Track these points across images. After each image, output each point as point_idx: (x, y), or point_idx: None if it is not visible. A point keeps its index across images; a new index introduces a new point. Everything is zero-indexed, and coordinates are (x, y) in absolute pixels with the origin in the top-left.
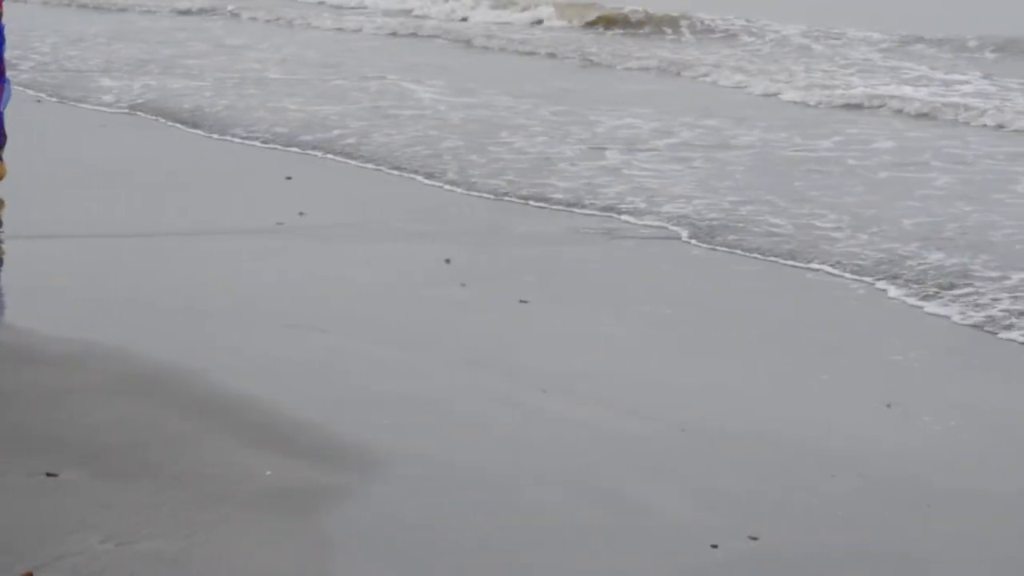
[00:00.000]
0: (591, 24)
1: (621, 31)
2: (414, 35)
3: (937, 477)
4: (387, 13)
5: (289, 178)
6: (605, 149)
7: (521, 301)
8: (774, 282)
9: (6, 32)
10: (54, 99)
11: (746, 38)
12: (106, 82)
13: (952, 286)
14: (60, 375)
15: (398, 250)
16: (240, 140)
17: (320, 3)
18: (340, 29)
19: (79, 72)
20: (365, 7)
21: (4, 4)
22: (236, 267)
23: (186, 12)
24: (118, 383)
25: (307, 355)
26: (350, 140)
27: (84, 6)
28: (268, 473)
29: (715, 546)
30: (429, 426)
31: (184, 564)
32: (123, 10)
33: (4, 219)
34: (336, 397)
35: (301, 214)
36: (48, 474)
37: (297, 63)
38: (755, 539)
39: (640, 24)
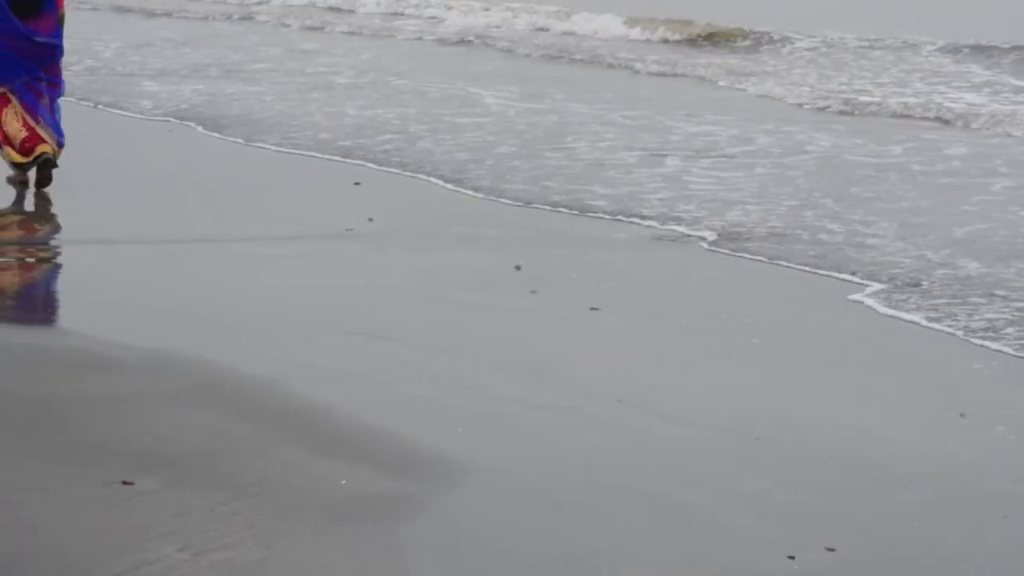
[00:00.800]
0: (691, 41)
1: (708, 43)
2: (487, 45)
3: (1013, 487)
4: (466, 28)
5: (358, 183)
6: (665, 155)
7: (592, 309)
8: (818, 293)
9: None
10: (88, 103)
11: (823, 48)
12: (151, 87)
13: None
14: (134, 383)
15: (468, 256)
16: (282, 148)
17: (397, 15)
18: (419, 39)
19: (127, 76)
20: (443, 19)
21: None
22: (306, 273)
23: (265, 22)
24: (191, 391)
25: (377, 364)
26: (422, 144)
27: (168, 14)
28: (343, 482)
29: (792, 557)
30: (500, 436)
31: (260, 574)
32: (203, 18)
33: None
34: (407, 406)
35: (370, 220)
36: (124, 482)
37: (367, 69)
38: (832, 550)
39: (730, 36)
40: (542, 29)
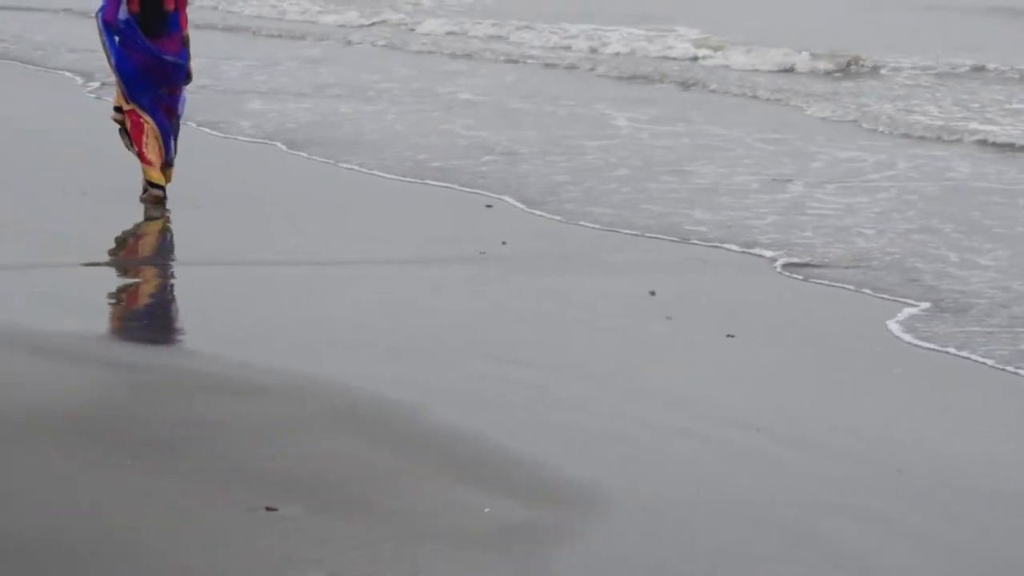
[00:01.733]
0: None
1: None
2: (644, 79)
3: None
4: (628, 55)
5: (489, 206)
6: (789, 181)
7: (728, 336)
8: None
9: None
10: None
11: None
12: (256, 106)
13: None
14: (275, 408)
15: (601, 281)
16: (373, 169)
17: (565, 48)
18: (574, 67)
19: (238, 94)
20: (607, 45)
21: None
22: (440, 297)
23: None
24: (332, 416)
25: (517, 389)
26: (525, 167)
27: (318, 38)
28: (486, 510)
29: None
30: (641, 464)
31: None
32: (347, 42)
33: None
34: (549, 433)
35: (503, 243)
36: (268, 508)
37: (498, 90)
38: None
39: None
40: (694, 59)
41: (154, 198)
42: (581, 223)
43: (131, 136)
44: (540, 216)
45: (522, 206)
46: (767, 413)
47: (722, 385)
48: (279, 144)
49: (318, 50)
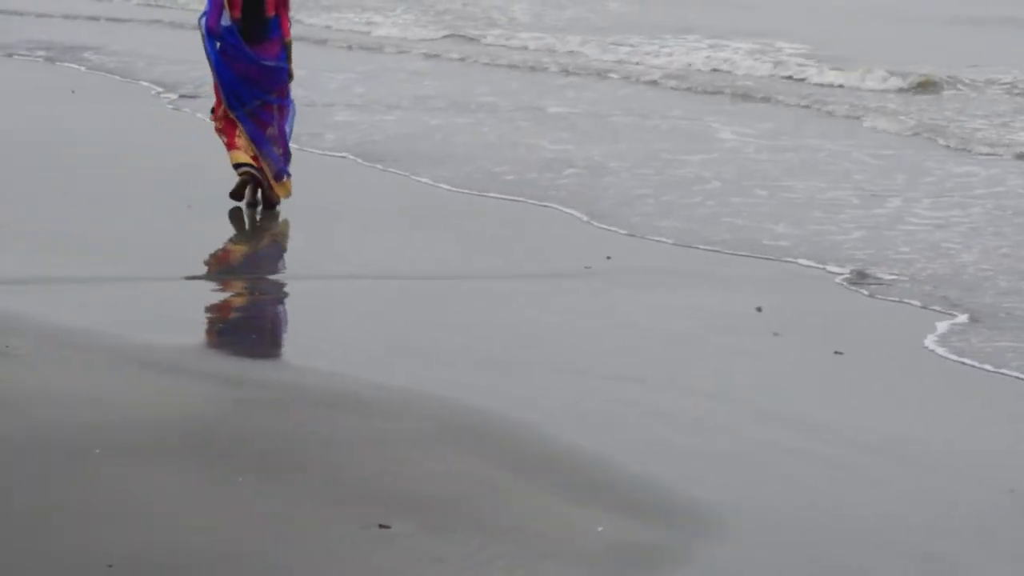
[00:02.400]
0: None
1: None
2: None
3: None
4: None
5: (606, 218)
6: (889, 197)
7: (836, 352)
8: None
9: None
10: None
11: None
12: (343, 117)
13: None
14: (386, 424)
15: (708, 297)
16: (450, 185)
17: (670, 63)
18: (679, 82)
19: (325, 107)
20: (711, 60)
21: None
22: (550, 312)
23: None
24: (443, 433)
25: (629, 407)
26: (607, 180)
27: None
28: (600, 529)
29: None
30: (758, 484)
31: None
32: (461, 59)
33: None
34: (663, 452)
35: (608, 258)
36: (381, 526)
37: (604, 105)
38: None
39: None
40: (800, 79)
41: (242, 178)
42: (648, 237)
43: (225, 137)
44: (602, 229)
45: (585, 218)
46: (879, 432)
47: (835, 404)
48: (355, 157)
49: (425, 64)
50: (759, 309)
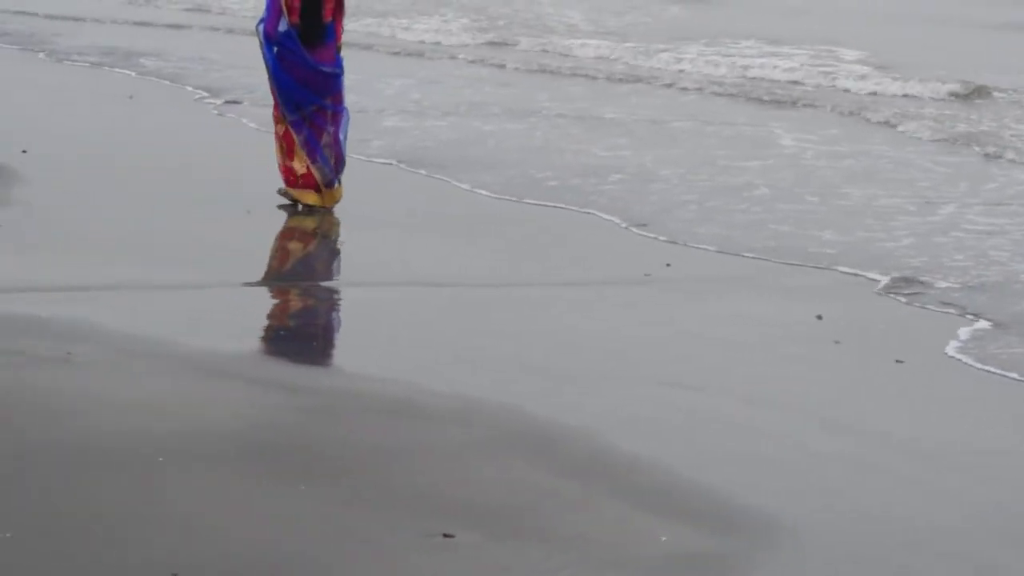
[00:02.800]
0: None
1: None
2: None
3: None
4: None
5: (644, 225)
6: (942, 204)
7: (897, 361)
8: None
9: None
10: None
11: None
12: (391, 123)
13: None
14: (448, 432)
15: (767, 305)
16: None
17: (732, 71)
18: (751, 96)
19: (375, 113)
20: (775, 68)
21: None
22: (610, 320)
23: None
24: (503, 441)
25: (690, 415)
26: (655, 186)
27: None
28: (663, 539)
29: None
30: (822, 495)
31: None
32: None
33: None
34: (725, 461)
35: (668, 265)
36: (445, 535)
37: (664, 111)
38: None
39: None
40: (873, 94)
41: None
42: (689, 244)
43: (282, 149)
44: (641, 235)
45: (623, 224)
46: (938, 441)
47: (894, 412)
48: (400, 164)
49: (483, 70)
50: (819, 317)
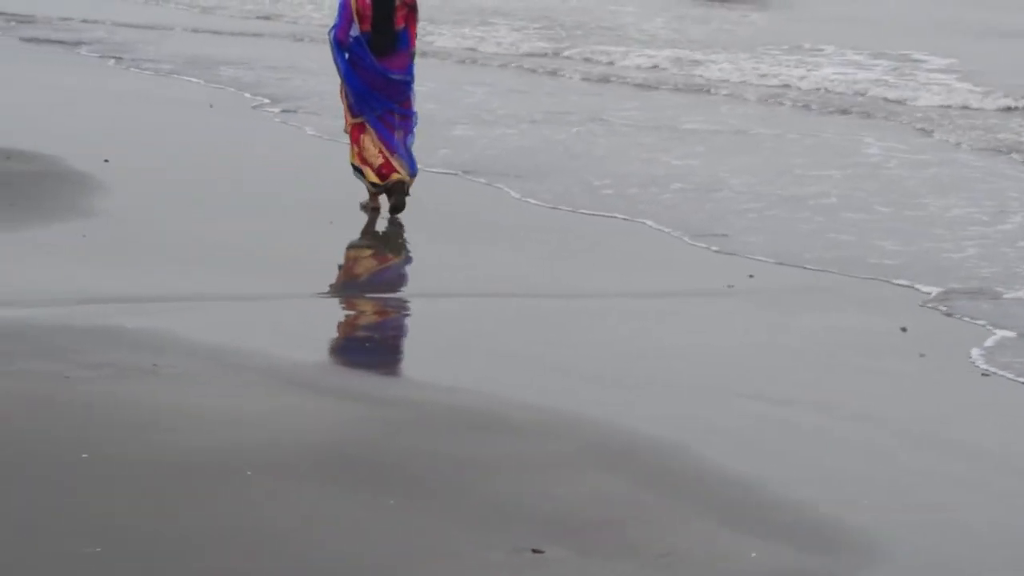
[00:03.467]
0: None
1: None
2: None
3: None
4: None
5: (725, 235)
6: (1015, 214)
7: (983, 375)
8: None
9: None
10: None
11: None
12: (462, 132)
13: None
14: (534, 445)
15: (851, 317)
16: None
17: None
18: (835, 107)
19: (444, 123)
20: (857, 82)
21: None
22: (695, 332)
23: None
24: (590, 454)
25: (779, 429)
26: (717, 196)
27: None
28: (752, 555)
29: None
30: (916, 512)
31: None
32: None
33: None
34: (810, 473)
35: (751, 276)
36: (534, 551)
37: (749, 122)
38: None
39: None
40: (964, 107)
41: (372, 204)
42: (740, 254)
43: (353, 145)
44: (691, 244)
45: (676, 233)
46: None
47: (984, 426)
48: (464, 174)
49: (567, 81)
50: (904, 329)
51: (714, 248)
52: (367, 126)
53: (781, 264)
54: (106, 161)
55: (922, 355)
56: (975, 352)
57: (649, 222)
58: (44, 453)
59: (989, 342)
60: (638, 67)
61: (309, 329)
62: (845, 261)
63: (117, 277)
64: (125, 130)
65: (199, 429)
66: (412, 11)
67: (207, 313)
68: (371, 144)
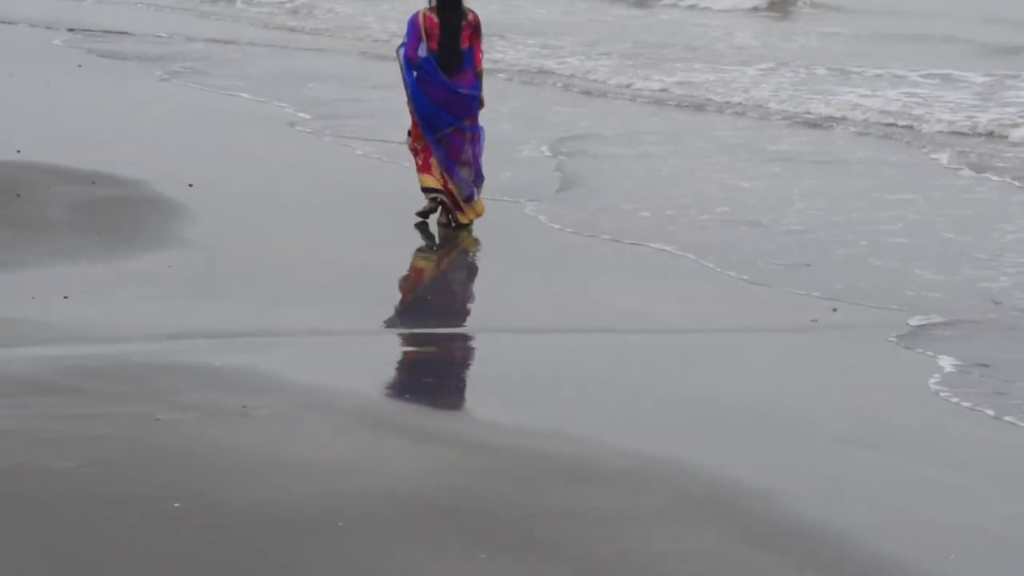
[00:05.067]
0: None
1: None
2: None
3: None
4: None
5: (808, 265)
6: None
7: None
8: None
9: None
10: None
11: None
12: (527, 153)
13: None
14: (627, 497)
15: (926, 354)
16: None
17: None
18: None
19: (514, 143)
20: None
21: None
22: (772, 368)
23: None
24: (682, 505)
25: (864, 476)
26: (815, 216)
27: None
28: None
29: None
30: (1009, 566)
31: None
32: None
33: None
34: (904, 526)
35: (834, 310)
36: None
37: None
38: None
39: None
40: None
41: (431, 203)
42: (765, 284)
43: (417, 161)
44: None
45: (711, 265)
46: None
47: None
48: (528, 202)
49: (653, 107)
50: (986, 367)
51: (791, 279)
52: (430, 154)
53: (862, 300)
54: (190, 186)
55: (1001, 393)
56: None
57: (700, 259)
58: (138, 501)
59: None
60: (725, 86)
61: (395, 366)
62: (870, 292)
63: (204, 310)
64: (209, 152)
65: (289, 477)
66: (476, 31)
67: (294, 349)
68: (437, 166)
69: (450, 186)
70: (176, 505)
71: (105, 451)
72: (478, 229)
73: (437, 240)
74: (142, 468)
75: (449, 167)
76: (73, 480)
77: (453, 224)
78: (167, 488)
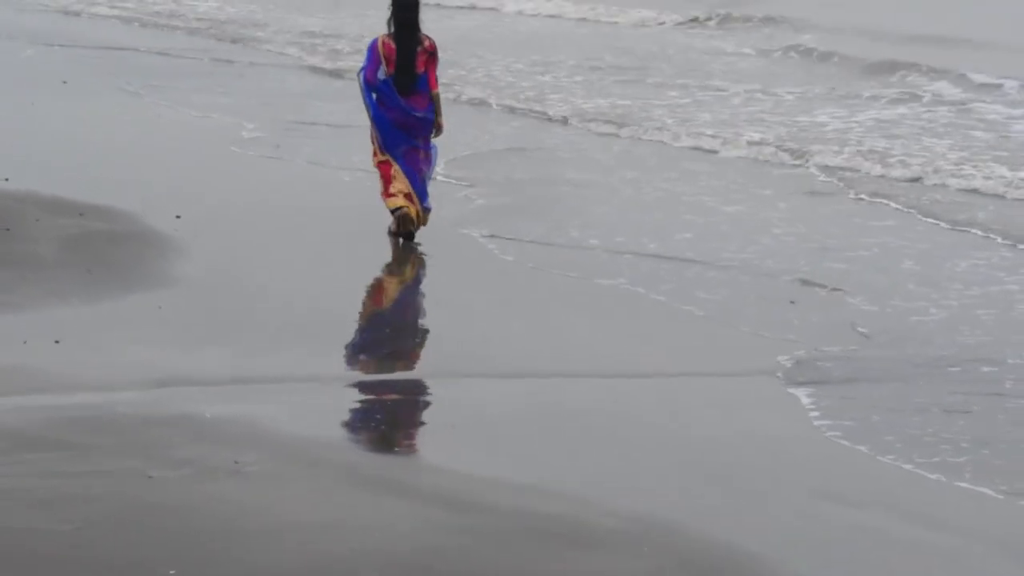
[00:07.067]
0: None
1: None
2: None
3: None
4: None
5: (793, 303)
6: None
7: None
8: None
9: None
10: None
11: None
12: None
13: None
14: (619, 562)
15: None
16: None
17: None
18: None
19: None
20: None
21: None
22: (746, 418)
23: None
24: (677, 568)
25: (870, 540)
26: (831, 244)
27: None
28: None
29: None
30: None
31: None
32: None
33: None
34: None
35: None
36: None
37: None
38: None
39: None
40: None
41: (400, 217)
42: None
43: (381, 180)
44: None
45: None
46: None
47: None
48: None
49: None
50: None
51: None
52: (395, 164)
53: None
54: (178, 217)
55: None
56: None
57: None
58: (133, 566)
59: None
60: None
61: (386, 416)
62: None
63: (193, 355)
64: (196, 179)
65: (282, 540)
66: (432, 57)
67: (285, 397)
68: (401, 179)
69: (412, 196)
70: (172, 573)
71: (98, 512)
72: (452, 263)
73: (410, 272)
74: (136, 531)
75: (413, 178)
76: (69, 542)
77: (402, 239)
78: (162, 551)
